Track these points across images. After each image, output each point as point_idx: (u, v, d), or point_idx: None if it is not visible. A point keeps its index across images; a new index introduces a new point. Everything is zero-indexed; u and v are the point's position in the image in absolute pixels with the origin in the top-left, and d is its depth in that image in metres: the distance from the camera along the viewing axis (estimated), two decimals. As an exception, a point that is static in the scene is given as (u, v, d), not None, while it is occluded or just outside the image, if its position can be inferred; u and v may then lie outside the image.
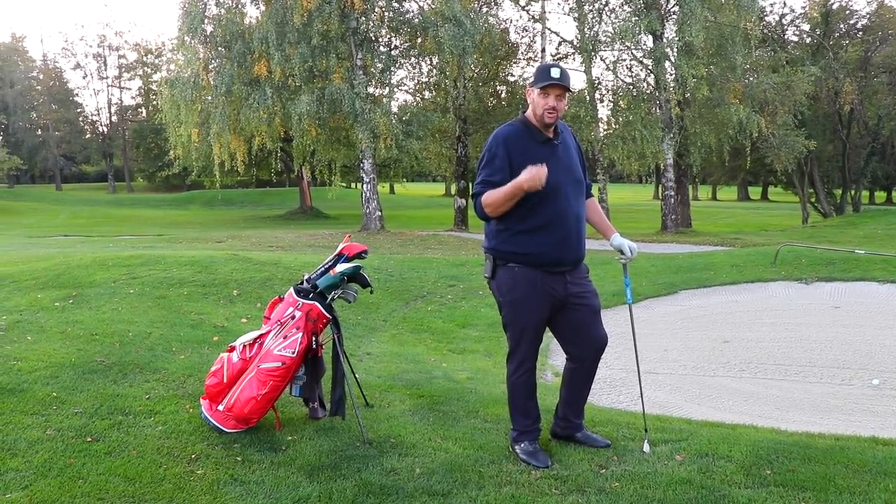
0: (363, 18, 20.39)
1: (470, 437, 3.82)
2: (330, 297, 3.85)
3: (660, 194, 26.40)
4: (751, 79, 22.97)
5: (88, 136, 67.65)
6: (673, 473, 3.32)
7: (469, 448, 3.67)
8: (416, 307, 7.78)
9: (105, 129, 66.05)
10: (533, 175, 3.13)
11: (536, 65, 25.89)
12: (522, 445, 3.58)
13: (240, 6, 21.70)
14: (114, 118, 65.84)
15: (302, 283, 3.92)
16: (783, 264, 9.80)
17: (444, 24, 19.80)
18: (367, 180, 21.74)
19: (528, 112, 3.45)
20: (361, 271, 3.86)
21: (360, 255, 3.86)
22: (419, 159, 26.97)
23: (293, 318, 3.81)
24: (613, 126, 23.87)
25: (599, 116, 23.65)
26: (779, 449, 3.58)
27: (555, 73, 3.33)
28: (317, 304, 3.80)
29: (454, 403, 4.38)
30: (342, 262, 3.84)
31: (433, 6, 21.16)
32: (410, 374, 5.07)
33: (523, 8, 24.99)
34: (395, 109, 23.69)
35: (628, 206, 43.55)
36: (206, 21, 20.81)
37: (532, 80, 3.41)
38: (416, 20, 21.38)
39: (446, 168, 29.00)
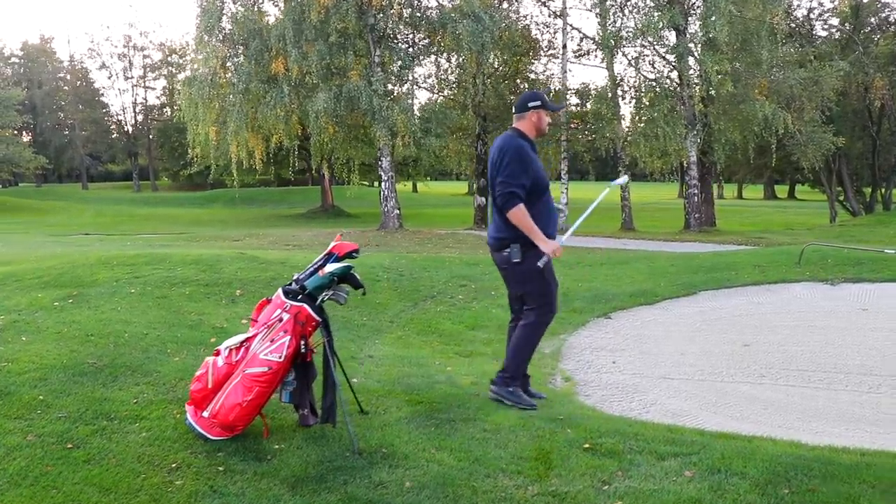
0: (381, 15, 20.24)
1: (466, 447, 3.60)
2: (320, 299, 3.66)
3: (683, 192, 25.91)
4: (778, 75, 22.39)
5: (114, 135, 68.45)
6: (681, 491, 3.08)
7: (464, 460, 3.45)
8: (424, 308, 7.56)
9: (130, 129, 66.77)
10: (554, 252, 4.21)
11: (557, 62, 25.73)
12: (511, 389, 4.33)
13: (257, 4, 21.67)
14: (139, 117, 66.54)
15: (291, 284, 3.73)
16: (808, 264, 9.43)
17: (462, 19, 19.58)
18: (386, 178, 21.58)
19: (522, 127, 4.38)
20: (352, 271, 3.66)
21: (350, 255, 3.66)
22: (440, 157, 26.76)
23: (281, 320, 3.63)
24: (637, 124, 23.46)
25: (622, 114, 23.29)
26: (798, 465, 3.32)
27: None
28: (305, 306, 3.62)
29: (454, 410, 4.17)
30: (332, 261, 3.64)
31: (452, 2, 20.96)
32: (412, 379, 4.86)
33: (544, 4, 24.68)
34: (416, 107, 23.52)
35: (652, 205, 42.92)
36: (223, 19, 20.80)
37: (539, 104, 4.34)
38: (435, 16, 21.17)
39: (466, 166, 28.72)
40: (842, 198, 31.88)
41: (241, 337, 3.71)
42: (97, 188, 62.34)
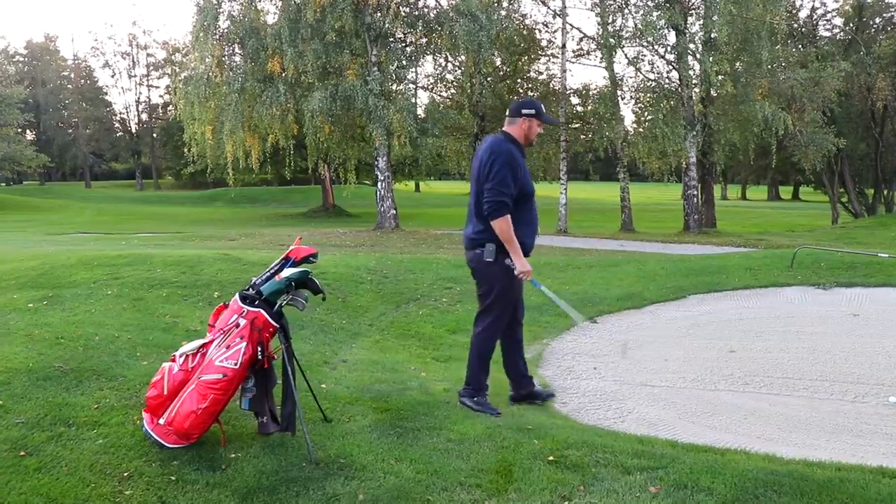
0: (378, 14, 20.12)
1: (427, 458, 3.49)
2: (278, 304, 3.56)
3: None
4: (781, 76, 22.18)
5: (118, 134, 68.54)
6: (643, 508, 2.97)
7: (423, 472, 3.34)
8: (406, 311, 7.44)
9: (134, 127, 66.84)
10: (524, 274, 4.24)
11: (557, 62, 25.55)
12: (476, 399, 4.35)
13: (255, 2, 21.56)
14: (142, 116, 66.61)
15: (248, 288, 3.63)
16: (801, 268, 9.28)
17: (459, 19, 19.46)
18: (382, 178, 21.46)
19: (512, 132, 4.36)
20: (310, 276, 3.55)
21: (307, 260, 3.56)
22: (441, 157, 26.59)
23: (237, 326, 3.53)
24: (642, 125, 23.28)
25: (621, 114, 23.13)
26: (769, 481, 3.20)
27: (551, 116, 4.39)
28: (262, 311, 3.51)
29: (420, 419, 4.06)
30: (289, 266, 3.54)
31: (450, 1, 20.83)
32: (382, 385, 4.75)
33: (543, 2, 24.53)
34: (419, 107, 23.38)
35: (656, 206, 42.70)
36: (219, 18, 20.73)
37: (534, 113, 4.34)
38: (432, 15, 21.05)
39: (465, 166, 28.59)
40: (844, 199, 31.66)
41: (199, 343, 3.62)
42: (100, 186, 62.37)
